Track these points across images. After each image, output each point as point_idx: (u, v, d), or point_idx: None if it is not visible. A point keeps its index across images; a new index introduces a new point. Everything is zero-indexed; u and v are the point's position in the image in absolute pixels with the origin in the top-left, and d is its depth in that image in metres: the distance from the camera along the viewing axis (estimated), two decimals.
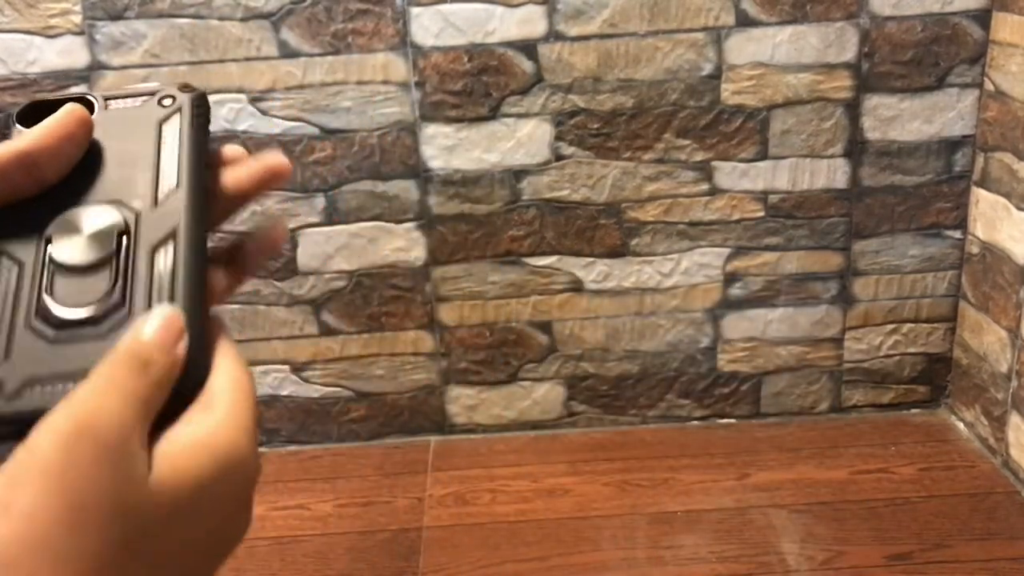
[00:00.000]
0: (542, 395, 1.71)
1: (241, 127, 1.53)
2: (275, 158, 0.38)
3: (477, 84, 1.51)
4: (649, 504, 1.49)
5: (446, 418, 1.73)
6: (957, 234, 1.61)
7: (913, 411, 1.73)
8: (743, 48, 1.50)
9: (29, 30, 1.47)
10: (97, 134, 0.34)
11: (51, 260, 0.32)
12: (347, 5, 1.47)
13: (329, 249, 1.60)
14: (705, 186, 1.58)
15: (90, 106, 0.35)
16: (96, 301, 0.31)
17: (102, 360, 0.28)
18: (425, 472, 1.62)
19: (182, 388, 0.30)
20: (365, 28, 1.48)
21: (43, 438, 0.26)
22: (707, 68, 1.51)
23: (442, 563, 1.39)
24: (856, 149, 1.56)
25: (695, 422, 1.73)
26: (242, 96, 1.51)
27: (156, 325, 0.30)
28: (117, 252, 0.32)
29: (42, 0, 1.46)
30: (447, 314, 1.65)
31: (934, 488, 1.49)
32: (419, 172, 1.56)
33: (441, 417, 1.72)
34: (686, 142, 1.55)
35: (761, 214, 1.60)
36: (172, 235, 0.33)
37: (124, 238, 0.32)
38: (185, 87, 0.36)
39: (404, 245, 1.61)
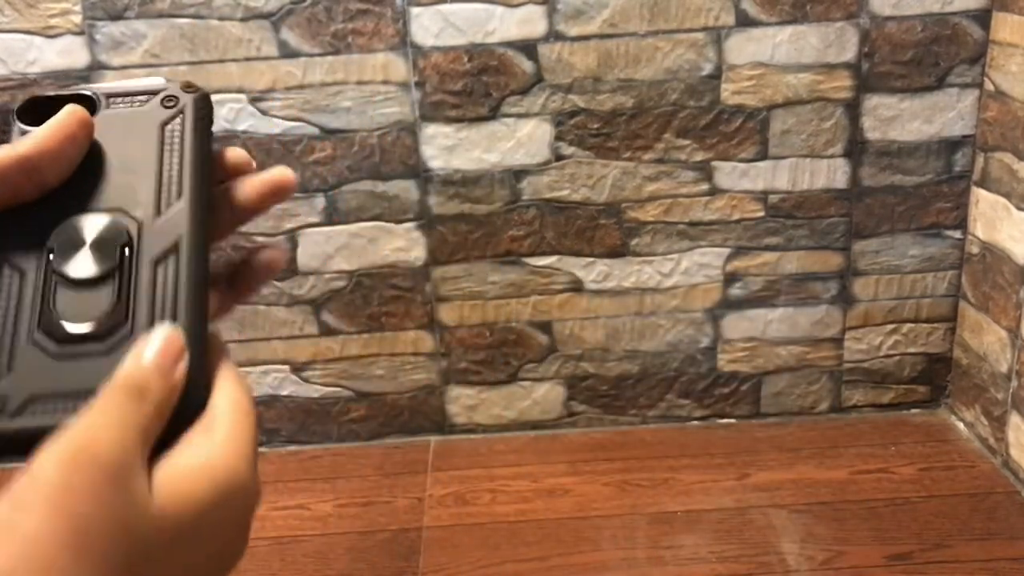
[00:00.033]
0: (542, 395, 1.71)
1: (241, 127, 1.53)
2: (281, 173, 0.37)
3: (477, 84, 1.51)
4: (649, 504, 1.49)
5: (446, 418, 1.73)
6: (957, 234, 1.61)
7: (913, 411, 1.73)
8: (743, 48, 1.50)
9: (29, 30, 1.47)
10: (98, 135, 0.34)
11: (54, 271, 0.32)
12: (347, 5, 1.47)
13: (329, 249, 1.61)
14: (705, 186, 1.58)
15: (91, 103, 0.35)
16: (99, 317, 0.31)
17: (103, 387, 0.29)
18: (425, 472, 1.62)
19: (182, 409, 0.30)
20: (365, 28, 1.48)
21: (46, 463, 0.26)
22: (707, 68, 1.51)
23: (442, 563, 1.39)
24: (856, 149, 1.56)
25: (695, 422, 1.73)
26: (242, 96, 1.51)
27: (155, 349, 0.30)
28: (120, 265, 0.32)
29: (42, 0, 1.46)
30: (447, 314, 1.65)
31: (934, 488, 1.50)
32: (419, 172, 1.56)
33: (441, 417, 1.72)
34: (686, 142, 1.55)
35: (761, 214, 1.60)
36: (175, 248, 0.32)
37: (127, 250, 0.32)
38: (188, 87, 0.36)
39: (404, 245, 1.61)
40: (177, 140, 0.35)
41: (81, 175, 0.33)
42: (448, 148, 1.55)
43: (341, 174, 1.56)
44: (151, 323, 0.31)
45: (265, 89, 1.51)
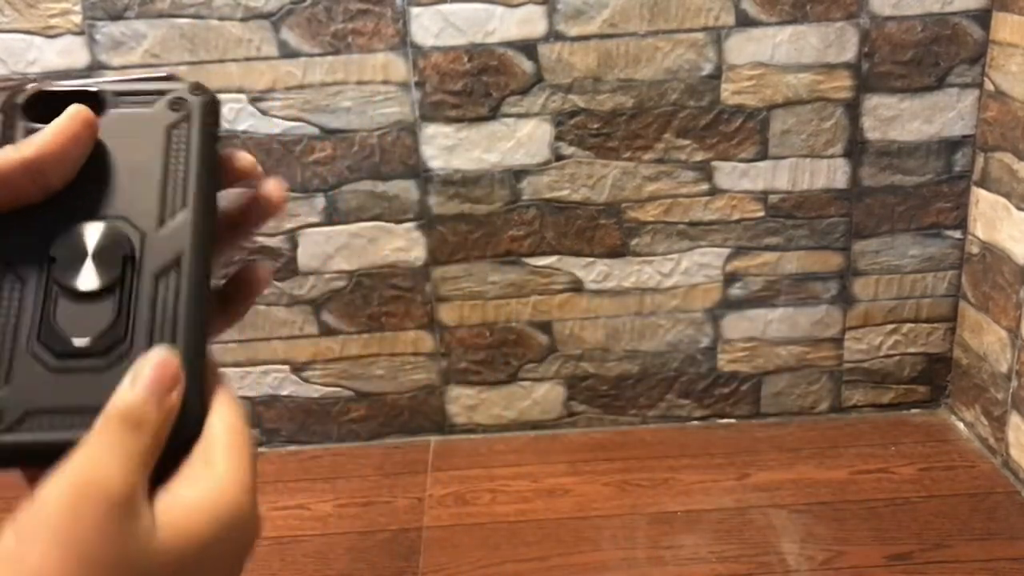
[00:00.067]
0: (542, 395, 1.71)
1: (241, 127, 1.53)
2: (276, 191, 0.37)
3: (477, 84, 1.51)
4: (649, 504, 1.49)
5: (446, 418, 1.73)
6: (957, 234, 1.61)
7: (913, 411, 1.73)
8: (743, 48, 1.50)
9: (29, 30, 1.47)
10: (103, 136, 0.34)
11: (55, 282, 0.31)
12: (347, 5, 1.47)
13: (329, 249, 1.61)
14: (705, 186, 1.58)
15: (97, 101, 0.34)
16: (99, 332, 0.31)
17: (100, 415, 0.29)
18: (425, 472, 1.62)
19: (179, 433, 0.30)
20: (365, 28, 1.48)
21: (50, 495, 0.27)
22: (707, 68, 1.51)
23: (442, 563, 1.39)
24: (856, 149, 1.56)
25: (695, 422, 1.73)
26: (242, 96, 1.51)
27: (150, 375, 0.30)
28: (121, 279, 0.32)
29: (42, 0, 1.46)
30: (447, 314, 1.65)
31: (934, 488, 1.49)
32: (419, 172, 1.56)
33: (441, 417, 1.72)
34: (686, 142, 1.55)
35: (761, 214, 1.60)
36: (176, 262, 0.32)
37: (129, 262, 0.32)
38: (197, 89, 0.35)
39: (404, 245, 1.61)
40: (183, 146, 0.34)
41: (85, 178, 0.33)
42: (448, 148, 1.55)
43: (341, 174, 1.56)
44: (150, 341, 0.31)
45: (265, 89, 1.51)
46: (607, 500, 1.51)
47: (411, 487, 1.58)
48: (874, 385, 1.72)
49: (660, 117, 1.54)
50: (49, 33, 1.48)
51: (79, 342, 0.31)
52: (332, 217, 1.59)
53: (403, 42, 1.49)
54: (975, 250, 1.59)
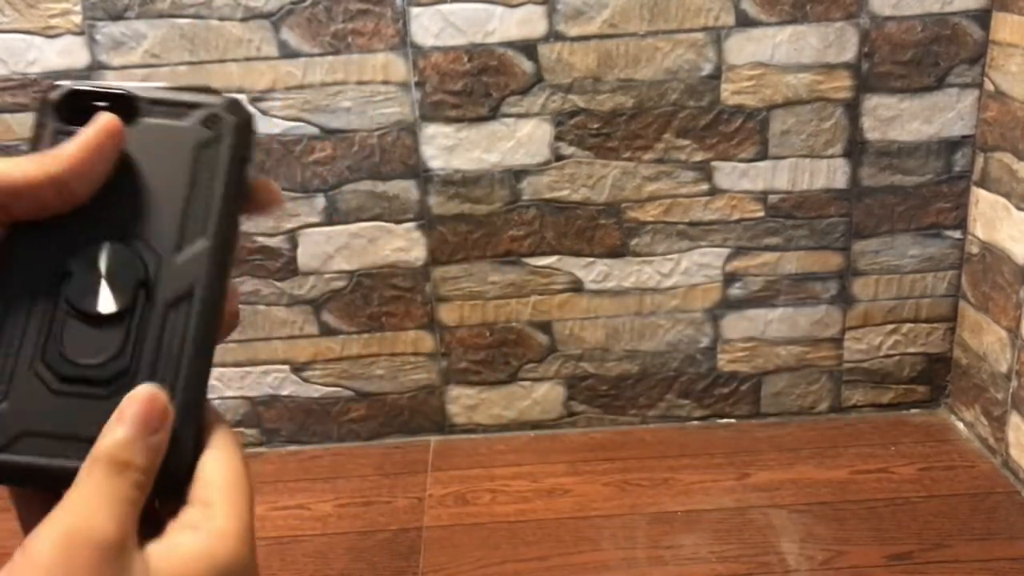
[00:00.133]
0: (542, 395, 1.71)
1: None
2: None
3: (477, 84, 1.51)
4: (649, 504, 1.49)
5: (446, 418, 1.73)
6: (957, 234, 1.61)
7: (913, 411, 1.73)
8: (743, 48, 1.50)
9: (29, 30, 1.47)
10: (131, 147, 0.32)
11: (67, 300, 0.31)
12: (347, 5, 1.47)
13: (329, 249, 1.61)
14: (705, 186, 1.58)
15: (130, 107, 0.33)
16: (104, 359, 0.30)
17: (86, 462, 0.28)
18: (425, 472, 1.62)
19: (169, 473, 0.30)
20: (365, 28, 1.48)
21: (41, 542, 0.26)
22: (707, 68, 1.51)
23: (442, 563, 1.39)
24: (856, 149, 1.56)
25: (695, 422, 1.73)
26: (242, 96, 1.51)
27: (133, 415, 0.29)
28: (133, 305, 0.31)
29: (42, 0, 1.46)
30: (447, 314, 1.65)
31: (934, 488, 1.50)
32: (419, 172, 1.56)
33: (441, 417, 1.72)
34: (686, 142, 1.55)
35: (761, 214, 1.60)
36: (189, 293, 0.31)
37: (142, 288, 0.31)
38: (233, 107, 0.33)
39: (404, 245, 1.61)
40: (211, 168, 0.33)
41: (109, 190, 0.32)
42: (448, 148, 1.55)
43: (341, 174, 1.56)
44: (153, 375, 0.30)
45: (265, 89, 1.51)
46: (607, 500, 1.51)
47: (411, 487, 1.58)
48: (874, 385, 1.72)
49: (660, 117, 1.54)
50: (49, 33, 1.48)
51: (83, 369, 0.30)
52: (332, 217, 1.59)
53: (403, 42, 1.49)
54: (975, 250, 1.59)
